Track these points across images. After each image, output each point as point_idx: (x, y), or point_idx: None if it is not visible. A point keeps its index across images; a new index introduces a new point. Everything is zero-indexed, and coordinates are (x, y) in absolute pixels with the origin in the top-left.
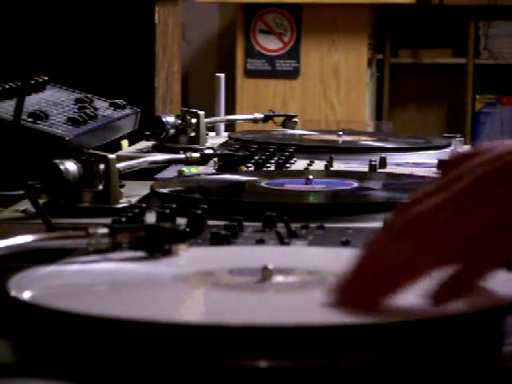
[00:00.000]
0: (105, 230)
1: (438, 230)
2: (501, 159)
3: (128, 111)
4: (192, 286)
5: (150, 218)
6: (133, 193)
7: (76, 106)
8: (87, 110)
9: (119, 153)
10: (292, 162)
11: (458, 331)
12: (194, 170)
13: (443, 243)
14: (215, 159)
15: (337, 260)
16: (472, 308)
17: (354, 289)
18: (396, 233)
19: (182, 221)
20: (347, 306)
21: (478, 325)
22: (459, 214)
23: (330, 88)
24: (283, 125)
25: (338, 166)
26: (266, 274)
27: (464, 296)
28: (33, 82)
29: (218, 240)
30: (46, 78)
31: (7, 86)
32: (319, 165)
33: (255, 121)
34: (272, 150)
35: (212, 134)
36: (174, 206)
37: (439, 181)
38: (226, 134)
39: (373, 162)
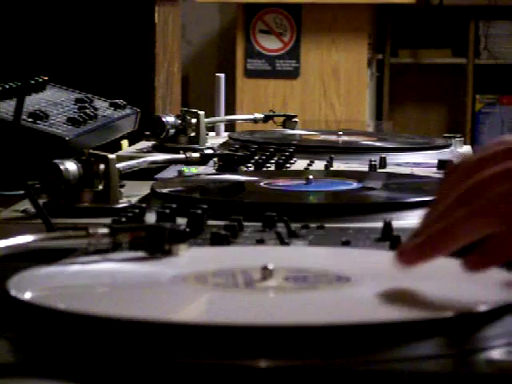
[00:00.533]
0: (105, 230)
1: (498, 196)
2: None
3: (128, 111)
4: (192, 286)
5: (150, 217)
6: (133, 193)
7: (76, 106)
8: (87, 110)
9: (119, 153)
10: (292, 161)
11: (440, 334)
12: (193, 170)
13: (501, 209)
14: (215, 159)
15: (336, 260)
16: (458, 311)
17: (407, 251)
18: (458, 197)
19: (182, 221)
20: (403, 267)
21: (454, 329)
22: None
23: (330, 88)
24: (283, 125)
25: (337, 166)
26: (265, 274)
27: (496, 264)
28: (33, 82)
29: (217, 240)
30: (46, 78)
31: (7, 86)
32: (319, 165)
33: (255, 121)
34: (272, 149)
35: (212, 134)
36: (174, 206)
37: (489, 153)
38: (226, 134)
39: (373, 162)
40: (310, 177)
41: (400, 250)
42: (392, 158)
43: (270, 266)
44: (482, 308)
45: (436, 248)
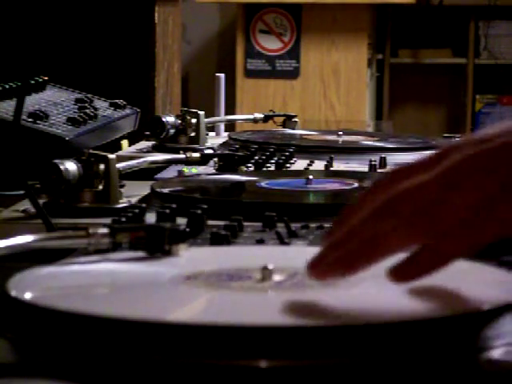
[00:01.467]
0: (105, 230)
1: (421, 208)
2: (496, 139)
3: (128, 111)
4: (192, 286)
5: (150, 217)
6: (133, 193)
7: (76, 106)
8: (87, 110)
9: (119, 153)
10: (292, 162)
11: (445, 333)
12: (194, 170)
13: (426, 221)
14: (215, 159)
15: None
16: (458, 311)
17: (326, 262)
18: (377, 209)
19: (182, 221)
20: (319, 280)
21: (461, 328)
22: (445, 192)
23: (330, 88)
24: (283, 125)
25: (337, 166)
26: (265, 274)
27: (431, 272)
28: (33, 81)
29: (217, 240)
30: (46, 78)
31: (7, 86)
32: (319, 165)
33: (255, 121)
34: (272, 149)
35: (212, 134)
36: (174, 206)
37: (419, 160)
38: (225, 134)
39: (373, 162)
40: (310, 177)
41: (312, 262)
42: (392, 158)
43: (270, 266)
44: (482, 308)
45: (359, 261)
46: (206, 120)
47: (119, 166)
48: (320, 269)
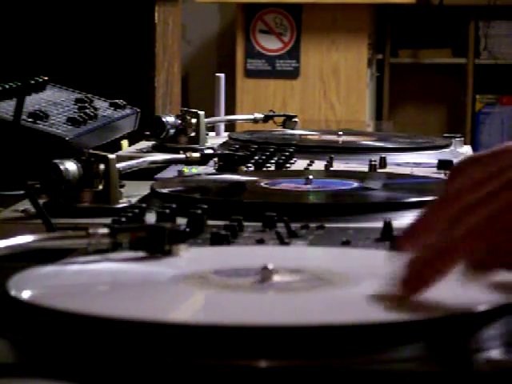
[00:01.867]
0: (105, 230)
1: (487, 220)
2: None
3: (128, 111)
4: (192, 286)
5: (150, 217)
6: (133, 193)
7: (76, 106)
8: (87, 110)
9: (119, 153)
10: (292, 162)
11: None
12: (194, 170)
13: (493, 232)
14: (215, 159)
15: (336, 260)
16: (457, 311)
17: (409, 279)
18: (447, 221)
19: (182, 221)
20: (410, 297)
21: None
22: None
23: (330, 88)
24: (283, 125)
25: (337, 166)
26: (265, 274)
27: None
28: (33, 81)
29: (217, 240)
30: (46, 78)
31: (7, 86)
32: (319, 165)
33: (255, 121)
34: (272, 149)
35: (212, 134)
36: (174, 206)
37: (483, 171)
38: (226, 134)
39: (373, 162)
40: (310, 177)
41: (404, 280)
42: (392, 158)
43: (270, 266)
44: (482, 308)
45: (432, 273)
46: (206, 120)
47: (119, 165)
48: (406, 285)
